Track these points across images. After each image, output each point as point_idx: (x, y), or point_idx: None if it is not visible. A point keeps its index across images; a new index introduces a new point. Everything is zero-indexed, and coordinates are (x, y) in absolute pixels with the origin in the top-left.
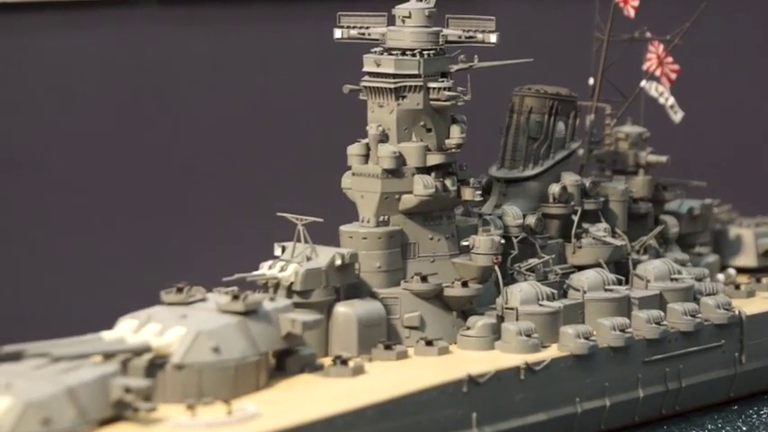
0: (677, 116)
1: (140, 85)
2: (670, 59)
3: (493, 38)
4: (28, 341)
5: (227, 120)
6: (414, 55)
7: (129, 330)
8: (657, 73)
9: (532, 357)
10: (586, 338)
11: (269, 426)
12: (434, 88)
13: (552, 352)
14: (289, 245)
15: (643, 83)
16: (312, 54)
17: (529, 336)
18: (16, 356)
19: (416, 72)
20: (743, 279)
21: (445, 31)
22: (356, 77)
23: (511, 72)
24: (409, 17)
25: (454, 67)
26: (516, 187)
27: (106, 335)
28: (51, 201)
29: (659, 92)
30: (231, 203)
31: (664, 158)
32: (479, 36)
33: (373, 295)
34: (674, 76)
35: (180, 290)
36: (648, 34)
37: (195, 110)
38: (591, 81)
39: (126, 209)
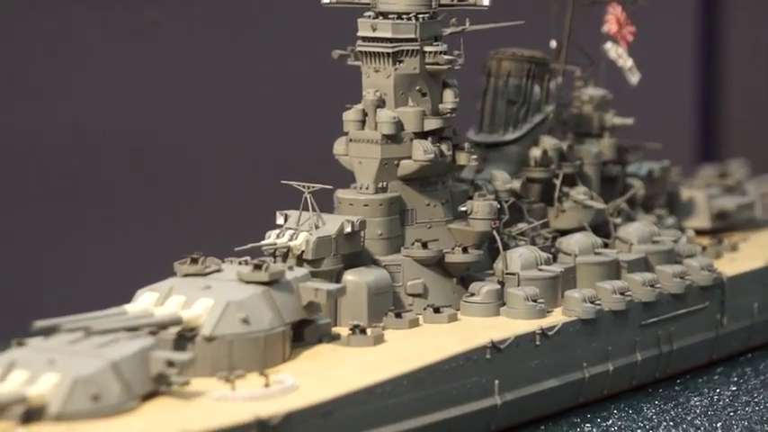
0: (635, 78)
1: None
2: (628, 21)
3: (485, 1)
4: (40, 317)
5: (215, 90)
6: (409, 19)
7: (151, 303)
8: (617, 35)
9: (541, 323)
10: (592, 302)
11: (313, 397)
12: (430, 52)
13: (558, 317)
14: (291, 213)
15: (608, 45)
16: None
17: (535, 301)
18: (45, 332)
19: (413, 36)
20: (703, 240)
21: None
22: (337, 43)
23: (470, 36)
24: None
25: (447, 31)
26: (496, 152)
27: (130, 308)
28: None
29: (618, 54)
30: (223, 174)
31: (630, 121)
32: None
33: (375, 263)
34: (630, 38)
35: (195, 260)
36: None
37: (186, 81)
38: (553, 44)
39: (120, 184)
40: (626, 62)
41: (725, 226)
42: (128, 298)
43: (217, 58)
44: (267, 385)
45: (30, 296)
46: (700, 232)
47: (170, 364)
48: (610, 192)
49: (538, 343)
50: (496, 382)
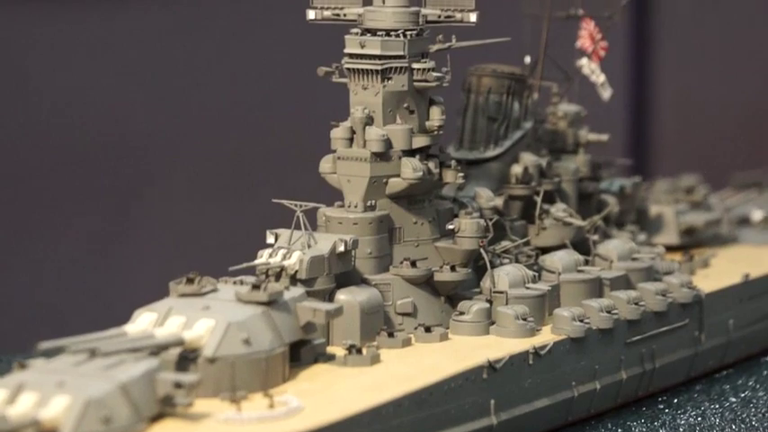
0: (606, 93)
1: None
2: (600, 36)
3: (472, 17)
4: (30, 338)
5: (201, 105)
6: (398, 35)
7: (150, 324)
8: (590, 50)
9: (532, 342)
10: (581, 321)
11: (319, 419)
12: (418, 69)
13: (547, 335)
14: (281, 231)
15: (584, 60)
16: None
17: (525, 320)
18: (47, 354)
19: (402, 53)
20: (673, 256)
21: (424, 11)
22: (322, 59)
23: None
24: None
25: (433, 48)
26: (477, 169)
27: (130, 329)
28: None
29: (591, 69)
30: (211, 193)
31: (604, 137)
32: (458, 15)
33: (365, 282)
34: (603, 53)
35: (190, 280)
36: (581, 11)
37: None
38: (527, 59)
39: (105, 201)
40: (599, 78)
41: (692, 242)
42: (117, 317)
43: (204, 77)
44: (272, 406)
45: (17, 317)
46: (668, 248)
47: (177, 385)
48: (585, 208)
49: (531, 362)
50: (492, 401)
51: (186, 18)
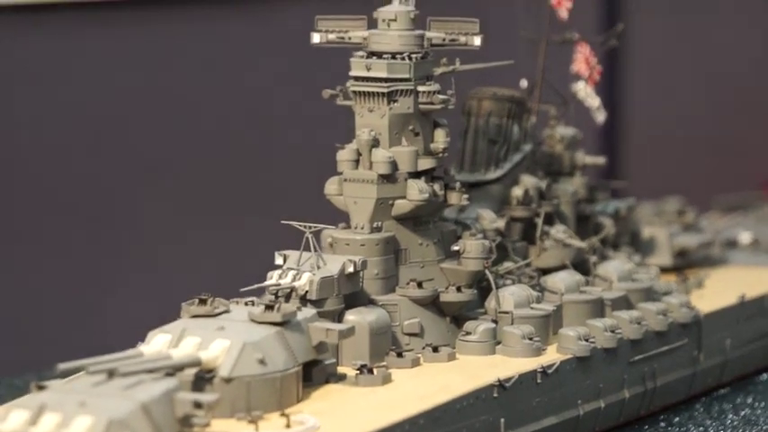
0: (601, 117)
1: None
2: (595, 61)
3: (477, 40)
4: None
5: (206, 127)
6: (403, 58)
7: (165, 345)
8: (585, 75)
9: (539, 361)
10: (586, 340)
11: None
12: (423, 92)
13: (553, 354)
14: (290, 253)
15: (581, 84)
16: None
17: (531, 339)
18: (64, 374)
19: (407, 76)
20: (667, 278)
21: (428, 34)
22: (324, 82)
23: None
24: (395, 20)
25: (437, 71)
26: (478, 191)
27: (146, 350)
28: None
29: (587, 93)
30: (214, 215)
31: (601, 160)
32: (462, 39)
33: (372, 302)
34: (598, 77)
35: (203, 301)
36: (577, 36)
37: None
38: (523, 83)
39: (106, 224)
40: (593, 101)
41: (684, 263)
42: (126, 338)
43: (210, 99)
44: (288, 426)
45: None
46: (661, 269)
47: (197, 405)
48: (583, 230)
49: (539, 381)
50: (502, 420)
51: (193, 39)
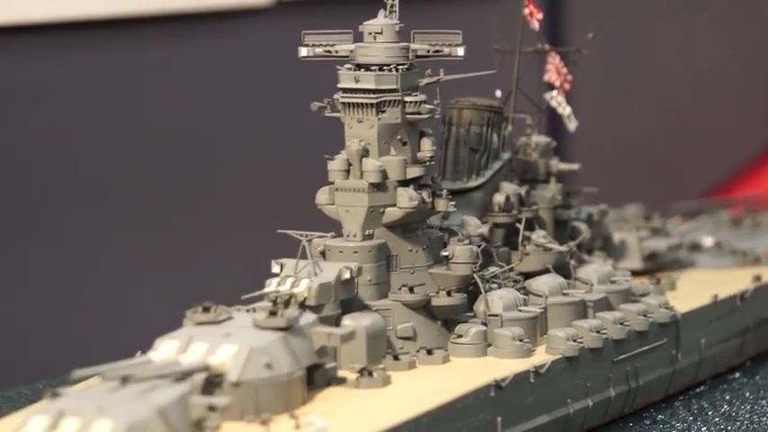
0: (572, 125)
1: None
2: (566, 70)
3: (460, 51)
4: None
5: (202, 140)
6: (390, 70)
7: (173, 351)
8: (557, 83)
9: (530, 361)
10: (574, 341)
11: None
12: (410, 102)
13: (542, 355)
14: (286, 261)
15: (554, 93)
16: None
17: (521, 341)
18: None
19: (395, 87)
20: (642, 281)
21: (413, 46)
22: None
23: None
24: (381, 33)
25: (423, 81)
26: (461, 198)
27: (155, 356)
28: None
29: (558, 102)
30: (207, 226)
31: (575, 166)
32: (446, 50)
33: (366, 307)
34: (568, 86)
35: (207, 309)
36: (547, 46)
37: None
38: (498, 93)
39: (104, 231)
40: (565, 110)
41: (654, 266)
42: (127, 346)
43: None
44: (298, 427)
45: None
46: (632, 273)
47: (211, 408)
48: (561, 235)
49: (532, 381)
50: (499, 419)
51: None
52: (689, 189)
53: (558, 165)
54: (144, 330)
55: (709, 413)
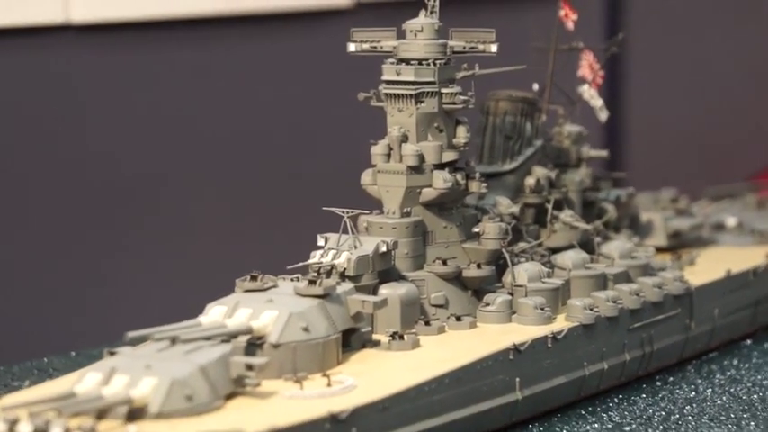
0: (603, 116)
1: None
2: (598, 66)
3: (493, 48)
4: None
5: (242, 133)
6: (429, 64)
7: (221, 315)
8: (590, 78)
9: (550, 328)
10: (591, 309)
11: (371, 395)
12: (447, 93)
13: (562, 323)
14: (330, 235)
15: (585, 87)
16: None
17: (542, 309)
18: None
19: (432, 79)
20: (663, 256)
21: (450, 43)
22: (360, 87)
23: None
24: (421, 31)
25: (459, 75)
26: (495, 181)
27: (204, 320)
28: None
29: (591, 95)
30: (266, 204)
31: (604, 153)
32: (481, 47)
33: (403, 278)
34: (600, 81)
35: (254, 278)
36: (581, 44)
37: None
38: (535, 86)
39: (163, 209)
40: (597, 102)
41: (678, 244)
42: (182, 312)
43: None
44: (329, 385)
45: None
46: (657, 249)
47: (249, 367)
48: (588, 215)
49: (549, 345)
50: (517, 379)
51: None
52: (731, 176)
53: (588, 151)
54: (203, 296)
55: (717, 376)
